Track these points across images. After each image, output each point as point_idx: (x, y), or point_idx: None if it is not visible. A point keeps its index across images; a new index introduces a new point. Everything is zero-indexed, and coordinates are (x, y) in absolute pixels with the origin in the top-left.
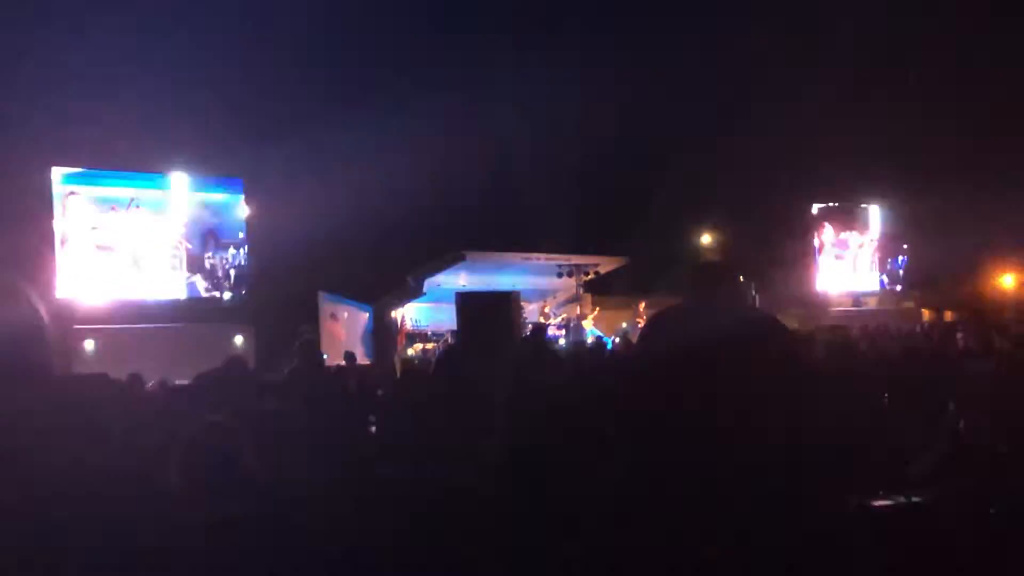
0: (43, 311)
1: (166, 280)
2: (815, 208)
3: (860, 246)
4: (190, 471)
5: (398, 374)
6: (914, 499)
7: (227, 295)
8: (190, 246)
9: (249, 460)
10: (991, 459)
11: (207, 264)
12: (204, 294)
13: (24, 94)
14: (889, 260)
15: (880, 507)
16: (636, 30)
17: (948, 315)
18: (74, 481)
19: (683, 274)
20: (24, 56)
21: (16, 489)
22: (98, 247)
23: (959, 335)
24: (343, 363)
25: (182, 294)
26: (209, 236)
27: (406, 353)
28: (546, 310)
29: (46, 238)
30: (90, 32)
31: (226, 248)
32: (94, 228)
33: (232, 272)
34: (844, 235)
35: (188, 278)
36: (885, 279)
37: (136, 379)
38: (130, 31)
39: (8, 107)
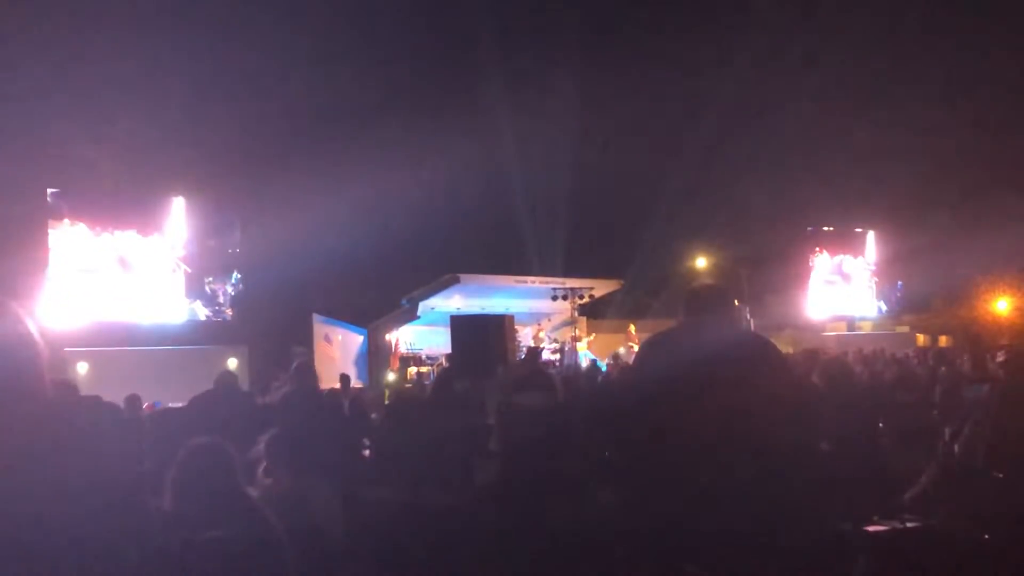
0: (37, 334)
1: (164, 305)
2: (811, 232)
3: (856, 271)
4: (182, 493)
5: (385, 399)
6: (909, 523)
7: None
8: (189, 270)
9: (242, 482)
10: (986, 484)
11: (207, 289)
12: (203, 319)
13: (22, 118)
14: (886, 287)
15: (875, 531)
16: (631, 54)
17: (943, 340)
18: (67, 502)
19: (679, 297)
20: (23, 79)
21: (10, 511)
22: (94, 270)
23: (954, 360)
24: (337, 386)
25: (181, 319)
26: (207, 260)
27: (387, 378)
28: (540, 334)
29: (40, 260)
30: (91, 56)
31: (229, 273)
32: (90, 251)
33: (232, 293)
34: (839, 259)
35: (188, 305)
36: (883, 305)
37: (134, 400)
38: (131, 56)
39: (5, 131)
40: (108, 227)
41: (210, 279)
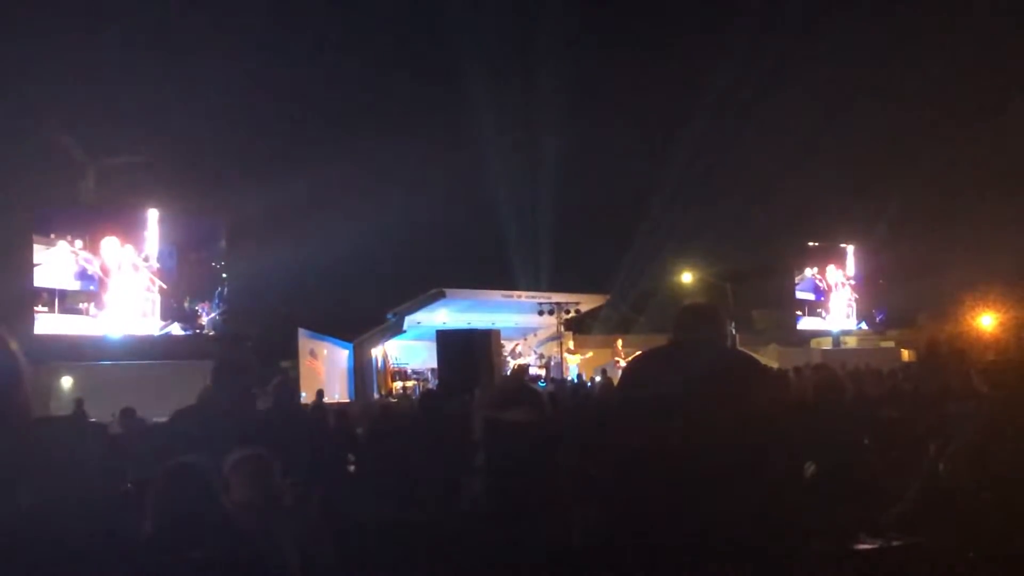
0: (19, 354)
1: (146, 319)
2: (796, 247)
3: (840, 285)
4: (163, 513)
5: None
6: (895, 541)
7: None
8: (164, 287)
9: (223, 501)
10: (972, 502)
11: (187, 308)
12: (181, 332)
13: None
14: (869, 310)
15: (860, 550)
16: (616, 71)
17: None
18: (49, 524)
19: (669, 315)
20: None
21: None
22: (77, 284)
23: (939, 376)
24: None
25: (164, 333)
26: (189, 274)
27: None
28: (517, 348)
29: (24, 276)
30: (72, 64)
31: (212, 291)
32: (72, 265)
33: (216, 317)
34: (824, 274)
35: (164, 326)
36: (864, 325)
37: (129, 413)
38: (113, 65)
39: None
40: (89, 240)
41: (189, 298)
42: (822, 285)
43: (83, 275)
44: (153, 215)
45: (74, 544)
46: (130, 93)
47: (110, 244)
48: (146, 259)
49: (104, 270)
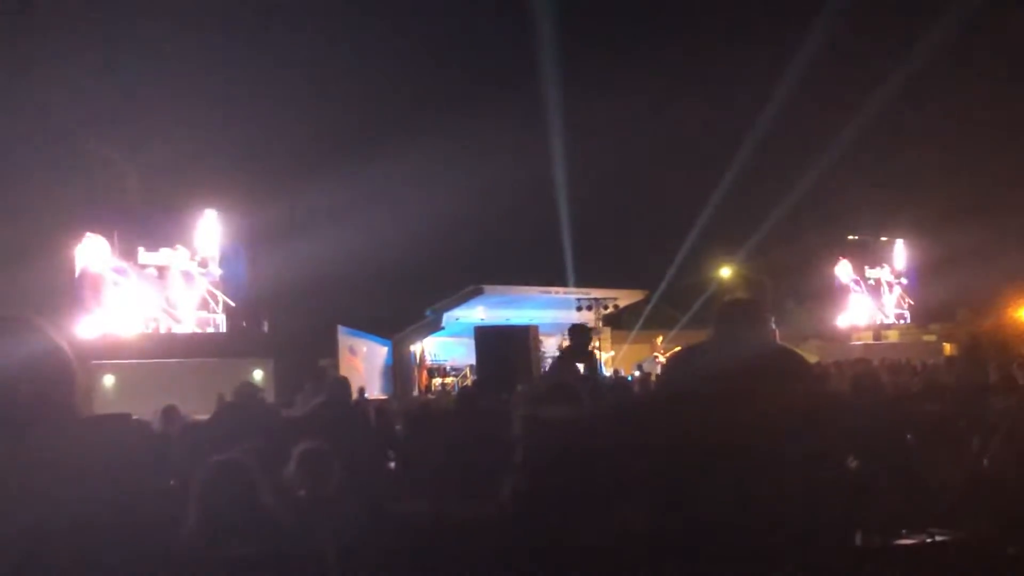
0: (68, 350)
1: (190, 317)
2: (837, 242)
3: (881, 281)
4: (205, 510)
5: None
6: (938, 537)
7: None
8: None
9: (265, 498)
10: (1015, 497)
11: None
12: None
13: (51, 131)
14: (909, 299)
15: (904, 544)
16: (659, 60)
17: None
18: (94, 520)
19: (711, 310)
20: (51, 92)
21: (38, 527)
22: (120, 283)
23: (981, 370)
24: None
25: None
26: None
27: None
28: (563, 343)
29: (67, 274)
30: (120, 67)
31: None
32: (116, 264)
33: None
34: (865, 268)
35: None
36: (907, 315)
37: (171, 412)
38: (158, 67)
39: (33, 144)
40: (135, 240)
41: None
42: (866, 280)
43: (131, 274)
44: (211, 216)
45: (120, 541)
46: (174, 91)
47: (161, 243)
48: (202, 264)
49: (153, 269)
